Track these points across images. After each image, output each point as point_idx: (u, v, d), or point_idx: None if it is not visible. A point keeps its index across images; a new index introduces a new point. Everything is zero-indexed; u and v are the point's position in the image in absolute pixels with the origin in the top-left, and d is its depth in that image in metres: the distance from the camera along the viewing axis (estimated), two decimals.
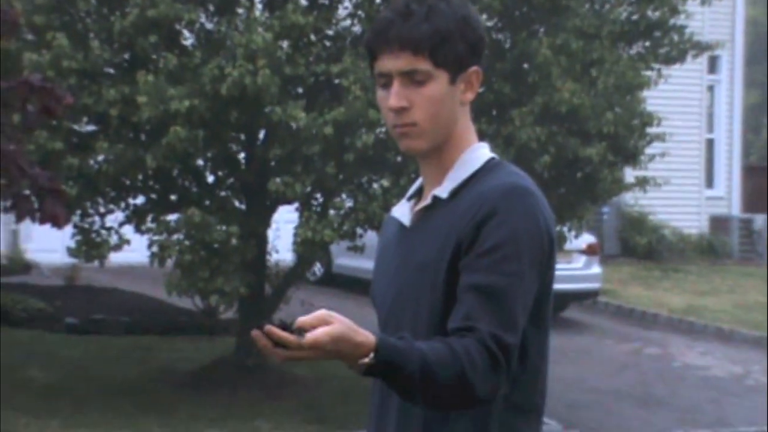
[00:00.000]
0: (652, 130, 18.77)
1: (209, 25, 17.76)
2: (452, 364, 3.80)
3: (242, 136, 18.02)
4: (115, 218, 18.39)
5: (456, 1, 4.23)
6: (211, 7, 17.82)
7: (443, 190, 4.11)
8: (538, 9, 17.77)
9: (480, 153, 4.17)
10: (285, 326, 3.69)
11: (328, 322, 3.70)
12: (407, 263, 4.13)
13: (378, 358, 3.74)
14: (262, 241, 18.23)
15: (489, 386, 3.85)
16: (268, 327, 3.71)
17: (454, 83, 4.13)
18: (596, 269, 24.92)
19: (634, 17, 19.26)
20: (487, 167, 4.14)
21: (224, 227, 17.28)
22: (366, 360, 3.74)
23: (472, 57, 4.15)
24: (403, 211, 4.22)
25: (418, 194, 4.23)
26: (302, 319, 3.72)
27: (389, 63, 4.09)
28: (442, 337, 3.89)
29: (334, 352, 3.73)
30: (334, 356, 3.75)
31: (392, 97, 4.09)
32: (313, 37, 17.47)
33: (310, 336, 3.68)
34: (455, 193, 4.10)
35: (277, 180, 17.30)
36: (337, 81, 16.97)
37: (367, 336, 3.74)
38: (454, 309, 3.93)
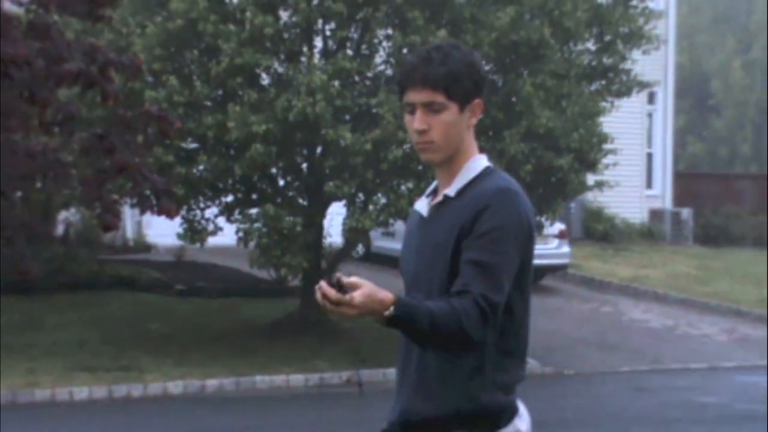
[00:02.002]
0: (606, 146, 18.73)
1: (280, 69, 17.72)
2: (452, 316, 3.80)
3: (304, 151, 18.05)
4: (211, 212, 18.42)
5: (465, 49, 4.22)
6: (282, 56, 17.78)
7: (452, 191, 4.10)
8: (523, 57, 17.75)
9: (479, 162, 4.16)
10: (337, 282, 3.69)
11: (360, 285, 3.68)
12: (425, 244, 4.12)
13: (396, 311, 3.71)
14: (319, 228, 18.29)
15: (480, 333, 3.84)
16: (322, 285, 3.69)
17: (462, 111, 4.11)
18: (565, 249, 24.91)
19: (594, 63, 19.31)
20: (485, 173, 4.13)
21: (291, 218, 17.36)
22: (388, 312, 3.71)
23: (476, 92, 4.14)
24: (422, 205, 4.22)
25: (434, 193, 4.21)
26: (345, 280, 3.72)
27: (414, 96, 4.09)
28: (446, 297, 3.86)
29: (364, 307, 3.71)
30: (365, 311, 3.73)
31: (416, 122, 4.09)
32: (356, 78, 17.42)
33: (348, 296, 3.67)
34: (460, 192, 4.09)
35: (330, 183, 17.36)
36: (374, 110, 16.94)
37: (387, 294, 3.74)
38: (457, 278, 3.91)
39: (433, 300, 3.92)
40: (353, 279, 3.81)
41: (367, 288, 3.78)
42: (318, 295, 3.78)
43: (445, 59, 4.15)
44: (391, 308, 3.78)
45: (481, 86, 4.23)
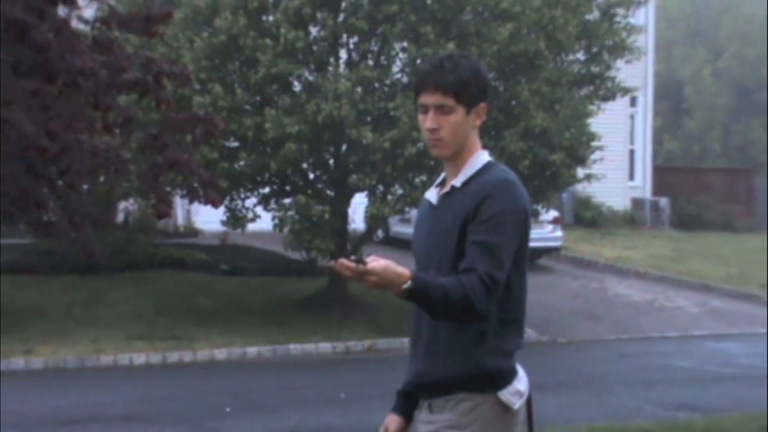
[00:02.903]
0: (594, 144, 18.67)
1: (310, 78, 17.70)
2: (460, 291, 3.79)
3: (331, 149, 18.04)
4: (250, 201, 18.44)
5: (472, 59, 4.22)
6: (312, 66, 17.75)
7: (458, 182, 4.10)
8: (521, 66, 17.69)
9: (482, 157, 4.15)
10: (357, 261, 3.70)
11: (376, 260, 3.70)
12: (434, 229, 4.12)
13: (413, 285, 3.72)
14: (344, 216, 18.30)
15: (485, 305, 3.84)
16: (340, 259, 3.71)
17: (469, 113, 4.10)
18: (558, 233, 24.84)
19: (583, 71, 19.22)
20: (487, 167, 4.12)
21: (320, 207, 17.38)
22: (405, 286, 3.72)
23: (481, 96, 4.13)
24: (432, 195, 4.22)
25: (442, 184, 4.21)
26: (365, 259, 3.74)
27: (427, 99, 4.08)
28: (455, 274, 3.87)
29: (383, 278, 3.71)
30: (384, 282, 3.74)
31: (428, 121, 4.09)
32: (376, 85, 17.40)
33: (367, 266, 3.69)
34: (466, 183, 4.08)
35: (354, 176, 17.39)
36: (392, 113, 16.92)
37: (404, 269, 3.74)
38: (463, 258, 3.91)
39: (444, 277, 3.93)
40: (374, 257, 3.82)
41: (385, 261, 3.80)
42: (338, 267, 3.80)
43: (455, 67, 4.15)
44: (409, 282, 3.79)
45: (485, 91, 4.23)
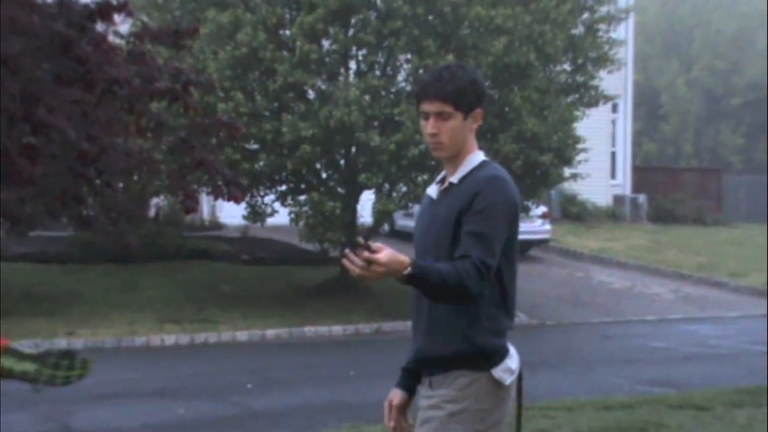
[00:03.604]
0: (579, 146, 18.66)
1: (323, 86, 17.71)
2: (456, 275, 3.79)
3: (342, 150, 18.01)
4: (269, 198, 18.45)
5: (469, 69, 4.21)
6: (324, 76, 17.78)
7: (455, 179, 4.10)
8: (513, 76, 17.70)
9: (478, 156, 4.15)
10: (365, 244, 3.69)
11: (384, 249, 3.70)
12: (434, 221, 4.12)
13: (414, 270, 3.72)
14: (354, 211, 18.31)
15: (478, 288, 3.84)
16: (348, 251, 3.71)
17: (466, 119, 4.09)
18: (547, 226, 24.81)
19: (569, 80, 19.23)
20: (481, 165, 4.13)
21: (332, 203, 17.37)
22: (406, 271, 3.72)
23: (477, 103, 4.12)
24: (433, 191, 4.22)
25: (442, 181, 4.22)
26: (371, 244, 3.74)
27: (428, 106, 4.08)
28: (451, 261, 3.87)
29: (389, 264, 3.71)
30: (389, 269, 3.73)
31: (429, 127, 4.08)
32: (383, 93, 17.40)
33: (376, 255, 3.69)
34: (462, 179, 4.08)
35: (362, 175, 17.41)
36: (397, 118, 16.92)
37: (405, 257, 3.73)
38: (458, 246, 3.92)
39: (440, 263, 3.94)
40: (378, 245, 3.82)
41: (389, 250, 3.80)
42: (346, 262, 3.80)
43: (452, 77, 4.14)
44: (409, 268, 3.79)
45: (481, 99, 4.22)
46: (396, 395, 4.33)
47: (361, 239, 3.81)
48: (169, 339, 15.54)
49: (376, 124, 17.48)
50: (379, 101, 17.45)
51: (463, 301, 3.94)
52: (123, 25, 12.51)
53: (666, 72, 46.27)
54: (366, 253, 3.74)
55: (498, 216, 4.01)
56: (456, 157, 4.17)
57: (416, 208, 17.09)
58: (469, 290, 3.86)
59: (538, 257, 24.87)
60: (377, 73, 17.95)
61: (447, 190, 4.17)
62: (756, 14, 47.25)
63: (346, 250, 3.77)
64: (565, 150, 18.48)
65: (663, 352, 15.39)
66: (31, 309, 16.45)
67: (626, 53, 30.46)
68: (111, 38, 11.61)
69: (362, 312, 17.75)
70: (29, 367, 4.24)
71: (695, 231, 31.51)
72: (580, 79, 19.42)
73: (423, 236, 4.21)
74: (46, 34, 10.54)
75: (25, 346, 4.44)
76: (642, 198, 33.82)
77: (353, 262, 3.75)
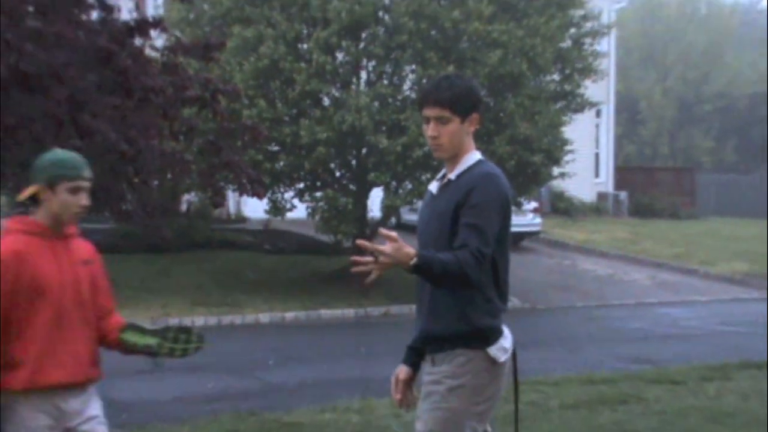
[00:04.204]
0: (567, 148, 18.62)
1: (337, 94, 17.70)
2: (457, 264, 3.81)
3: (354, 152, 17.98)
4: (288, 194, 18.43)
5: (466, 78, 4.23)
6: (338, 85, 17.75)
7: (454, 176, 4.10)
8: (508, 84, 17.65)
9: (474, 156, 4.16)
10: (366, 246, 3.75)
11: (393, 238, 3.73)
12: (434, 213, 4.13)
13: (419, 261, 3.74)
14: (364, 206, 18.30)
15: (476, 275, 3.86)
16: (360, 242, 3.75)
17: (463, 123, 4.10)
18: (538, 220, 24.77)
19: (558, 89, 19.15)
20: (477, 164, 4.13)
21: (344, 199, 17.41)
22: (413, 262, 3.74)
23: (473, 109, 4.12)
24: (434, 187, 4.23)
25: (442, 177, 4.22)
26: (383, 232, 3.78)
27: (429, 112, 4.09)
28: (451, 251, 3.88)
29: (395, 257, 3.73)
30: (394, 261, 3.75)
31: (430, 130, 4.10)
32: (390, 100, 17.38)
33: (379, 248, 3.72)
34: (459, 176, 4.08)
35: (372, 174, 17.43)
36: (403, 123, 16.91)
37: (411, 249, 3.75)
38: (457, 237, 3.94)
39: (441, 253, 3.95)
40: (393, 234, 3.84)
41: (395, 243, 3.81)
42: (358, 268, 3.83)
43: (450, 86, 4.15)
44: (415, 259, 3.81)
45: (477, 105, 4.22)
46: (402, 371, 4.35)
47: (364, 242, 3.83)
48: (199, 320, 15.54)
49: (384, 128, 17.46)
50: (387, 107, 17.42)
51: (463, 286, 3.95)
52: (158, 39, 12.53)
53: (644, 81, 46.21)
54: (371, 245, 3.76)
55: (491, 209, 4.02)
56: (455, 157, 4.18)
57: (420, 204, 17.08)
58: (468, 276, 3.88)
59: (529, 247, 24.83)
60: (385, 82, 17.93)
61: (446, 186, 4.18)
62: (723, 30, 47.31)
63: (353, 258, 3.80)
64: (554, 151, 18.43)
65: (641, 333, 15.38)
66: None
67: (608, 64, 30.43)
68: (147, 51, 11.62)
69: (372, 296, 17.73)
70: (152, 341, 4.31)
71: (670, 224, 31.47)
72: (567, 87, 19.36)
73: (425, 227, 4.22)
74: (90, 48, 10.56)
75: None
76: (623, 194, 33.80)
77: (363, 263, 3.78)
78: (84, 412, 4.11)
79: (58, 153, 4.21)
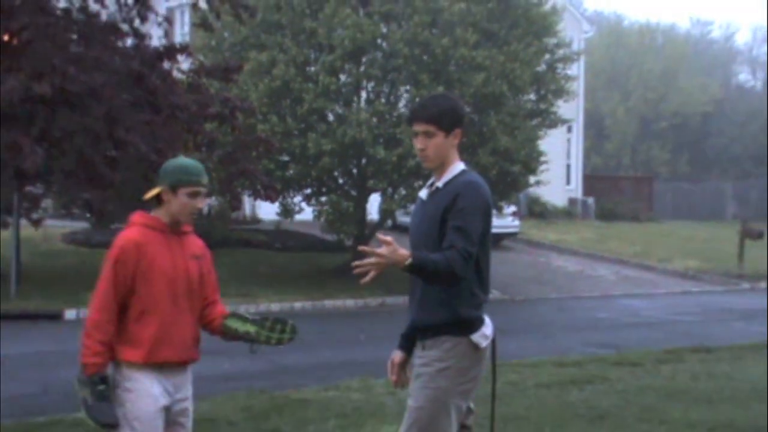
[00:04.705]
0: (542, 159, 18.63)
1: (340, 111, 17.68)
2: (446, 263, 3.80)
3: (355, 161, 17.94)
4: (297, 199, 18.41)
5: (450, 97, 4.22)
6: (341, 102, 17.75)
7: (441, 184, 4.08)
8: (490, 103, 17.68)
9: (459, 166, 4.13)
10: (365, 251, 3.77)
11: (388, 242, 3.73)
12: (424, 218, 4.11)
13: (413, 261, 3.74)
14: (364, 209, 18.29)
15: (463, 272, 3.84)
16: (361, 247, 3.76)
17: (448, 137, 4.08)
18: (517, 222, 24.76)
19: (534, 107, 19.16)
20: (462, 173, 4.10)
21: (346, 203, 17.36)
22: (407, 262, 3.74)
23: (456, 124, 4.10)
24: (424, 193, 4.21)
25: (431, 185, 4.21)
26: (380, 237, 3.79)
27: (417, 127, 4.08)
28: (441, 252, 3.88)
29: (390, 258, 3.73)
30: (392, 260, 3.75)
31: (418, 143, 4.09)
32: (387, 116, 17.37)
33: (376, 250, 3.72)
34: (446, 184, 4.07)
35: (371, 181, 17.39)
36: (398, 136, 16.90)
37: (405, 251, 3.74)
38: (445, 238, 3.94)
39: (432, 253, 3.94)
40: (388, 238, 3.84)
41: (391, 246, 3.81)
42: (358, 270, 3.84)
43: (435, 104, 4.13)
44: (410, 259, 3.80)
45: (459, 121, 4.18)
46: (397, 355, 4.34)
47: (364, 248, 3.84)
48: None
49: (381, 140, 17.45)
50: (384, 123, 17.43)
51: (452, 283, 3.94)
52: (184, 63, 12.52)
53: (609, 101, 46.26)
54: (370, 249, 3.76)
55: (475, 213, 4.00)
56: (441, 167, 4.16)
57: (413, 208, 17.09)
58: (456, 274, 3.87)
59: (509, 246, 24.82)
60: (383, 100, 17.93)
61: (434, 193, 4.15)
62: (678, 57, 47.41)
63: (354, 263, 3.81)
64: (531, 162, 18.44)
65: (606, 321, 15.37)
66: None
67: (578, 86, 30.42)
68: (175, 74, 11.61)
69: (370, 289, 17.67)
70: (251, 328, 4.35)
71: (632, 226, 31.47)
72: (542, 106, 19.38)
73: (416, 230, 4.20)
74: (124, 71, 10.55)
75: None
76: (590, 200, 33.80)
77: (363, 264, 3.78)
78: (183, 388, 4.22)
79: (183, 160, 4.25)
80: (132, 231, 4.14)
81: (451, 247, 3.89)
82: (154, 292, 4.07)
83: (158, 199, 4.21)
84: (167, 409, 4.10)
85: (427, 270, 3.84)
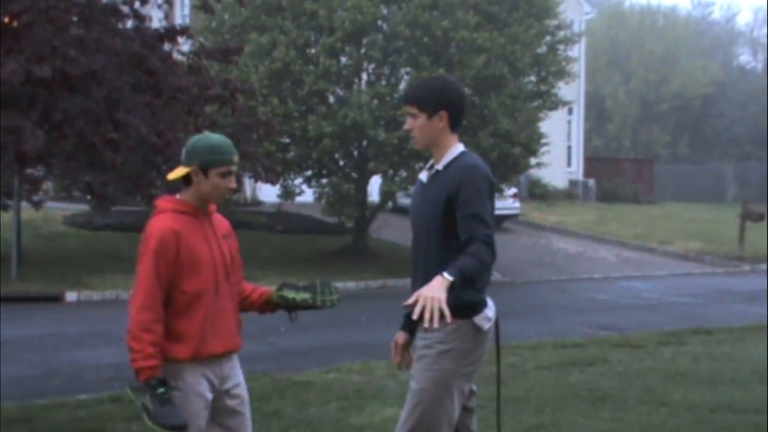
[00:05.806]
0: (542, 141, 18.64)
1: (341, 93, 17.68)
2: (477, 259, 3.78)
3: (355, 144, 17.95)
4: (298, 181, 18.46)
5: (440, 80, 4.19)
6: (342, 85, 17.74)
7: (441, 166, 4.07)
8: (491, 85, 17.70)
9: (459, 148, 4.12)
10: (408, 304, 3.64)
11: (420, 295, 3.66)
12: (424, 200, 4.10)
13: (455, 280, 3.62)
14: (365, 191, 18.33)
15: (492, 255, 3.84)
16: (405, 304, 3.64)
17: (431, 119, 4.07)
18: (517, 204, 24.77)
19: (535, 89, 19.15)
20: (461, 155, 4.09)
21: (347, 185, 17.38)
22: (449, 282, 3.64)
23: (439, 106, 4.08)
24: (423, 176, 4.20)
25: (431, 167, 4.20)
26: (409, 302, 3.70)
27: (406, 108, 4.11)
28: (466, 249, 3.84)
29: (432, 296, 3.60)
30: (436, 295, 3.56)
31: (407, 124, 4.10)
32: (388, 98, 17.34)
33: (418, 294, 3.60)
34: (446, 167, 4.06)
35: (372, 163, 17.45)
36: (399, 118, 16.84)
37: (441, 278, 3.65)
38: (460, 229, 3.91)
39: (459, 259, 3.89)
40: (409, 301, 3.64)
41: (424, 289, 3.63)
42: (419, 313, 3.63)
43: (421, 86, 4.15)
44: (450, 278, 3.73)
45: (446, 104, 4.15)
46: (400, 336, 4.35)
47: (407, 303, 3.68)
48: None
49: (382, 123, 17.45)
50: (385, 105, 17.43)
51: (490, 269, 3.98)
52: (185, 45, 12.49)
53: (610, 83, 46.16)
54: (413, 302, 3.60)
55: (482, 196, 3.98)
56: (439, 148, 4.14)
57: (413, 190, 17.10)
58: (488, 262, 3.87)
59: (510, 228, 24.84)
60: (383, 82, 17.93)
61: (435, 176, 4.14)
62: (679, 38, 47.26)
63: (414, 314, 3.59)
64: (531, 144, 18.47)
65: (607, 303, 15.40)
66: (112, 268, 16.44)
67: (579, 68, 30.40)
68: (175, 56, 11.58)
69: (371, 271, 17.75)
70: (306, 295, 4.38)
71: (632, 208, 31.51)
72: (543, 88, 19.38)
73: (417, 214, 4.18)
74: (125, 53, 10.52)
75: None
76: (591, 182, 33.81)
77: (423, 310, 3.58)
78: (233, 377, 4.03)
79: (212, 137, 3.97)
80: (165, 218, 3.86)
81: (472, 238, 3.88)
82: (197, 282, 3.83)
83: (185, 180, 3.95)
84: (214, 401, 3.93)
85: (468, 276, 3.80)
